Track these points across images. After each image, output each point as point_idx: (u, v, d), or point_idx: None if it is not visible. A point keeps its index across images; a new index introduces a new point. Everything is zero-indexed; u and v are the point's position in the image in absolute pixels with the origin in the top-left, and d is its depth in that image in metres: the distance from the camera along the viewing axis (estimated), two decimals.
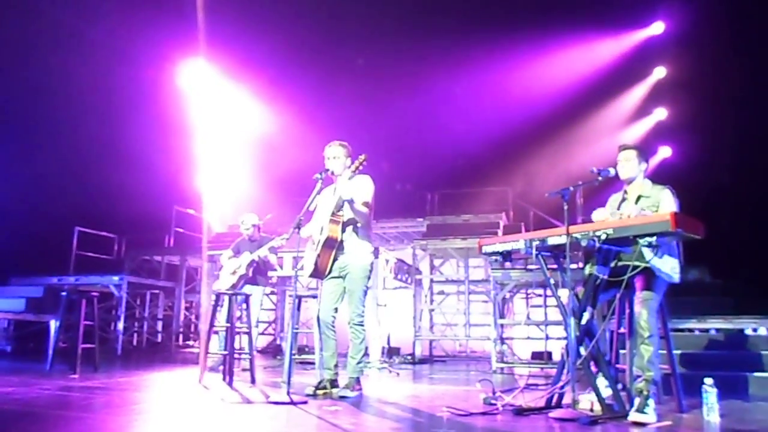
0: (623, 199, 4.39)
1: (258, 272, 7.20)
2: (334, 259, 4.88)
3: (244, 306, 6.20)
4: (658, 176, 4.40)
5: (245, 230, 7.40)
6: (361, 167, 4.79)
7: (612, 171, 4.24)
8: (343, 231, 4.86)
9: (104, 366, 6.96)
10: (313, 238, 4.99)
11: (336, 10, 12.77)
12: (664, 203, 4.14)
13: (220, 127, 12.73)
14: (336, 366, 4.93)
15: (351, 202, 4.70)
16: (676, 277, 4.07)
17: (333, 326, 4.98)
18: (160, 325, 13.02)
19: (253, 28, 12.25)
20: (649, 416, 3.60)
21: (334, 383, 4.88)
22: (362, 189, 4.87)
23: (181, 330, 12.15)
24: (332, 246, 4.84)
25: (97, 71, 10.95)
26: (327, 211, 4.90)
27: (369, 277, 5.02)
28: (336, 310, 4.98)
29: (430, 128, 12.82)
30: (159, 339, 12.78)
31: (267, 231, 7.66)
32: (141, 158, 11.65)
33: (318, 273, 4.92)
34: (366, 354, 4.90)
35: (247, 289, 6.96)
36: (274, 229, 9.56)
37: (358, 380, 4.88)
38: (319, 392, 4.75)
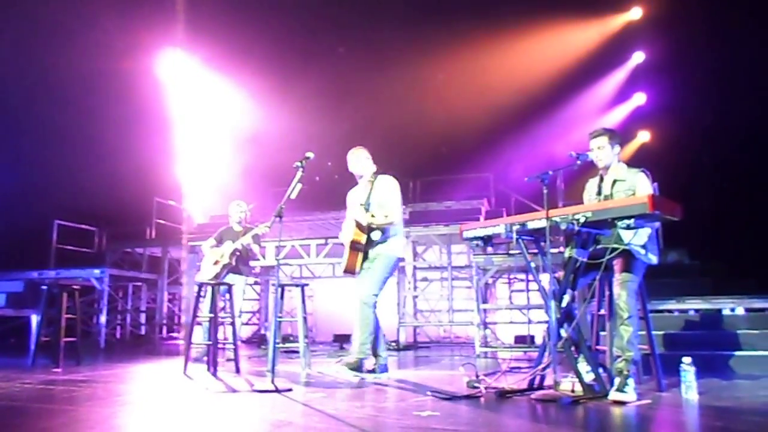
0: (600, 184, 4.44)
1: (241, 261, 7.16)
2: (364, 258, 5.10)
3: (227, 296, 6.18)
4: (637, 160, 4.47)
5: (238, 215, 7.35)
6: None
7: (591, 156, 4.29)
8: (371, 231, 5.07)
9: (87, 359, 6.91)
10: (344, 239, 5.21)
11: (315, 1, 12.72)
12: (640, 186, 4.19)
13: (200, 117, 12.65)
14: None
15: (370, 227, 5.03)
16: (654, 259, 4.13)
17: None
18: (143, 318, 12.96)
19: (232, 18, 12.16)
20: (629, 395, 3.66)
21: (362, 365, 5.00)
22: (388, 199, 5.14)
23: (165, 322, 12.10)
24: (358, 249, 5.07)
25: (74, 62, 10.79)
26: (353, 214, 5.17)
27: (394, 267, 5.18)
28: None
29: (411, 116, 12.82)
30: (142, 331, 12.72)
31: (249, 221, 7.63)
32: (120, 149, 11.54)
33: (348, 272, 5.13)
34: (376, 337, 5.07)
35: (230, 278, 6.94)
36: (257, 219, 9.55)
37: (362, 363, 4.93)
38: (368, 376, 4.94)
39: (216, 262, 7.06)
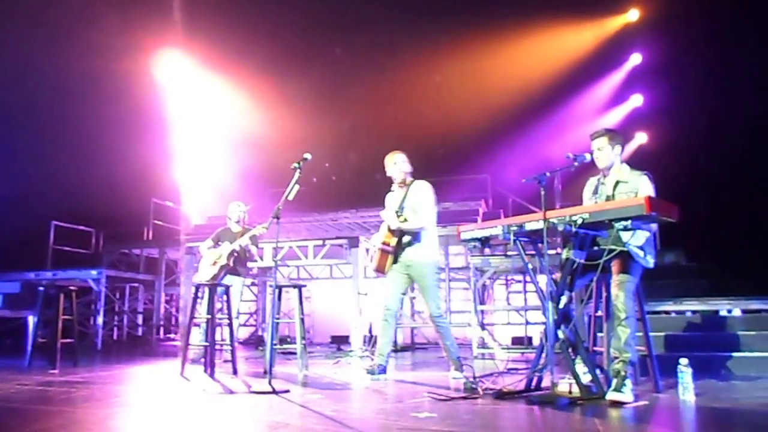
0: (599, 184, 4.43)
1: (238, 263, 7.15)
2: (394, 261, 5.27)
3: (225, 297, 6.17)
4: (635, 162, 4.45)
5: (237, 216, 7.34)
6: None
7: (588, 156, 4.28)
8: (402, 235, 5.23)
9: (84, 361, 6.91)
10: (375, 241, 5.42)
11: (311, 2, 12.73)
12: (642, 189, 4.18)
13: (198, 118, 12.64)
14: (389, 354, 5.26)
15: (400, 231, 5.20)
16: (651, 262, 4.14)
17: (396, 315, 5.38)
18: (140, 319, 12.93)
19: (230, 20, 12.16)
20: (626, 395, 3.67)
21: (383, 370, 5.16)
22: (422, 205, 5.27)
23: (162, 323, 12.08)
24: (387, 251, 5.24)
25: (72, 62, 10.78)
26: (386, 219, 5.32)
27: (438, 272, 5.44)
28: (401, 299, 5.41)
29: (408, 117, 12.82)
30: (139, 332, 12.70)
31: (247, 222, 7.62)
32: (117, 150, 11.53)
33: (379, 272, 5.33)
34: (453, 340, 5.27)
35: (228, 279, 6.93)
36: (254, 219, 9.53)
37: (459, 360, 5.12)
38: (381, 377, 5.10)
39: (214, 263, 7.04)
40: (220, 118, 12.79)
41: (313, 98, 12.86)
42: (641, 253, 4.08)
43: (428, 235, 5.27)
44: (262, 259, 9.23)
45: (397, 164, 5.44)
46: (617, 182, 4.32)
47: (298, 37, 13.03)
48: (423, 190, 5.33)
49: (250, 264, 7.59)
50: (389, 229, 5.25)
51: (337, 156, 13.37)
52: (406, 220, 5.22)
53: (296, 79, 12.74)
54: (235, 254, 7.03)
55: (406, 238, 5.23)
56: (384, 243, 5.23)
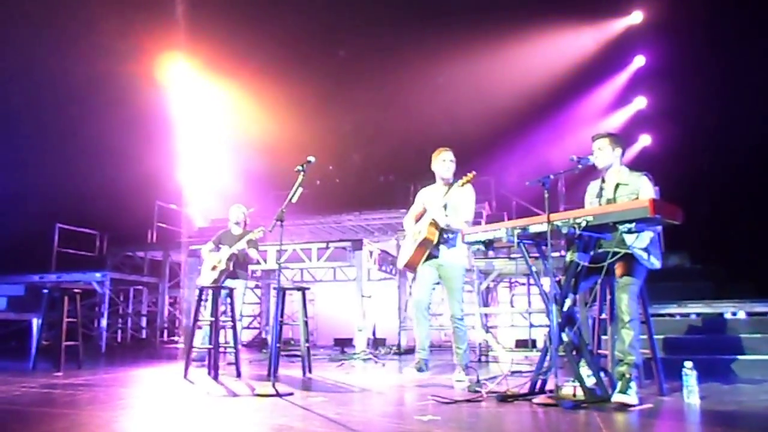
0: (602, 188, 4.43)
1: (238, 266, 7.14)
2: (428, 257, 5.22)
3: (228, 300, 6.17)
4: (638, 164, 4.46)
5: (237, 218, 7.34)
6: (467, 183, 5.14)
7: (592, 159, 4.29)
8: (441, 234, 5.15)
9: (88, 363, 6.91)
10: (413, 234, 5.34)
11: (314, 5, 12.74)
12: (643, 190, 4.18)
13: (201, 121, 12.66)
14: (430, 347, 5.32)
15: (443, 229, 5.12)
16: (657, 263, 4.13)
17: (428, 309, 5.34)
18: (144, 321, 12.95)
19: (233, 23, 12.19)
20: (632, 398, 3.66)
21: (427, 363, 5.25)
22: (465, 205, 5.22)
23: (166, 325, 12.10)
24: (426, 247, 5.16)
25: (77, 65, 10.82)
26: (429, 213, 5.22)
27: (465, 275, 5.41)
28: (431, 295, 5.34)
29: (412, 119, 12.83)
30: (143, 335, 12.71)
31: (250, 224, 7.62)
32: (122, 153, 11.56)
33: (410, 267, 5.33)
34: (468, 345, 5.30)
35: (229, 283, 6.93)
36: (258, 222, 9.53)
37: (467, 366, 5.12)
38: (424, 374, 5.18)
39: (214, 268, 7.03)
40: (223, 120, 12.82)
41: (317, 101, 12.87)
42: (645, 255, 4.07)
43: (460, 239, 5.21)
44: (266, 261, 9.25)
45: (449, 161, 5.38)
46: (617, 184, 4.32)
47: (302, 40, 13.04)
48: (468, 191, 5.27)
49: (252, 267, 7.58)
50: (434, 225, 5.15)
51: (340, 158, 13.39)
52: (447, 217, 5.17)
53: (300, 82, 12.76)
54: (234, 258, 7.02)
55: (444, 237, 5.19)
56: (426, 239, 5.13)
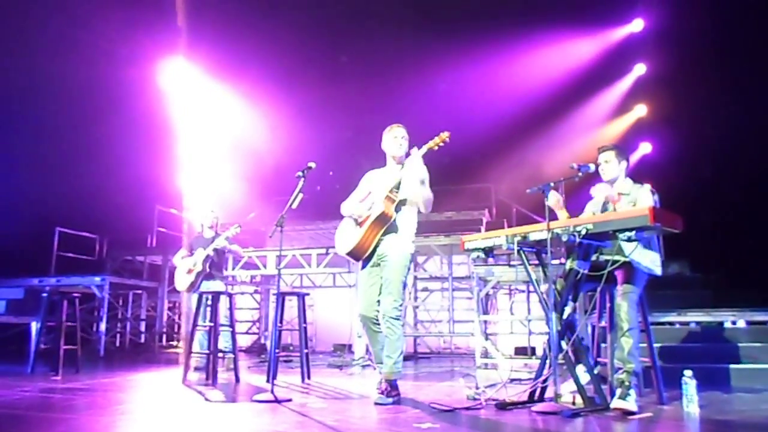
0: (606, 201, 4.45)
1: (214, 267, 7.08)
2: (378, 242, 4.50)
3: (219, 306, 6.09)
4: (638, 173, 4.49)
5: (210, 221, 7.33)
6: (441, 144, 4.53)
7: (592, 167, 4.30)
8: (397, 211, 4.52)
9: (86, 367, 6.90)
10: (358, 215, 4.64)
11: (317, 9, 12.76)
12: (641, 200, 4.19)
13: (202, 126, 12.67)
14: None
15: (423, 181, 4.50)
16: (657, 270, 4.13)
17: (377, 321, 4.45)
18: (143, 326, 12.93)
19: (234, 27, 12.20)
20: (631, 405, 3.65)
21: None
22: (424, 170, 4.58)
23: (165, 330, 12.08)
24: (384, 223, 4.46)
25: (77, 69, 10.83)
26: (383, 188, 4.56)
27: (409, 267, 4.58)
28: (378, 303, 4.45)
29: (411, 125, 12.83)
30: (142, 340, 12.69)
31: (249, 230, 7.60)
32: (122, 157, 11.56)
33: (357, 252, 4.53)
34: (402, 353, 4.47)
35: (206, 285, 6.87)
36: (258, 227, 9.54)
37: (395, 383, 4.37)
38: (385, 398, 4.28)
39: (189, 271, 6.99)
40: (224, 125, 12.82)
41: (318, 105, 12.88)
42: (645, 262, 4.07)
43: (412, 220, 4.68)
44: (265, 267, 9.24)
45: (401, 138, 4.74)
46: (619, 195, 4.34)
47: (303, 45, 13.05)
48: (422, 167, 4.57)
49: (251, 272, 7.56)
50: (388, 199, 4.49)
51: (341, 164, 13.39)
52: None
53: (301, 87, 12.77)
54: (210, 259, 6.97)
55: (398, 215, 4.56)
56: (384, 213, 4.46)
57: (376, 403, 4.20)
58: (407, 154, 4.67)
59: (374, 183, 4.74)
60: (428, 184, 4.57)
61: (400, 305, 4.41)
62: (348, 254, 4.61)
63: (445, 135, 4.52)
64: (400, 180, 4.54)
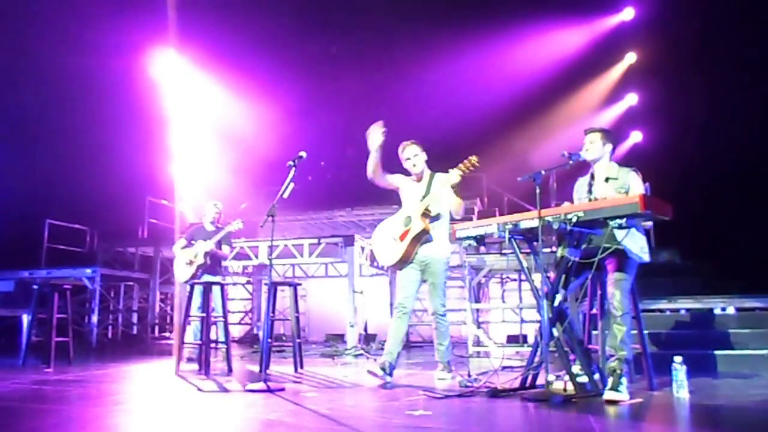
0: (590, 183, 4.44)
1: (215, 261, 7.09)
2: (417, 251, 4.97)
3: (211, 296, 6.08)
4: (629, 160, 4.48)
5: (213, 215, 7.28)
6: (471, 168, 4.78)
7: (582, 153, 4.31)
8: (432, 221, 4.96)
9: (79, 359, 6.89)
10: (396, 229, 5.04)
11: (308, 1, 12.71)
12: (633, 185, 4.20)
13: (193, 116, 12.61)
14: (399, 354, 5.00)
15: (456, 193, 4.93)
16: (646, 257, 4.14)
17: (407, 311, 5.00)
18: (135, 317, 12.90)
19: (225, 19, 12.14)
20: (623, 394, 3.68)
21: (392, 367, 4.86)
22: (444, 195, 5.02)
23: (157, 321, 12.05)
24: (422, 237, 4.93)
25: (66, 60, 10.74)
26: (418, 204, 4.95)
27: (447, 270, 5.17)
28: (414, 297, 5.07)
29: (403, 115, 12.81)
30: (134, 331, 12.67)
31: (223, 221, 7.52)
32: (112, 148, 11.50)
33: (402, 264, 5.00)
34: (450, 341, 5.13)
35: (207, 278, 6.83)
36: (249, 217, 9.50)
37: (450, 363, 5.01)
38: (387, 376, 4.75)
39: (191, 263, 6.94)
40: (214, 115, 12.76)
41: (309, 96, 12.85)
42: (635, 249, 4.09)
43: (447, 229, 5.07)
44: (257, 257, 9.23)
45: (413, 157, 5.12)
46: (607, 178, 4.34)
47: (294, 34, 13.00)
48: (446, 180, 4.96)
49: (243, 263, 7.55)
50: (425, 215, 4.90)
51: (332, 154, 13.38)
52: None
53: (292, 77, 12.73)
54: (212, 253, 6.94)
55: (432, 227, 4.97)
56: (424, 230, 4.88)
57: (440, 379, 4.85)
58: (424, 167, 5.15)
59: (405, 191, 5.18)
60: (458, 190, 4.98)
61: (445, 303, 5.07)
62: (392, 266, 5.10)
63: (474, 159, 4.76)
64: (433, 195, 4.94)
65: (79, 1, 10.73)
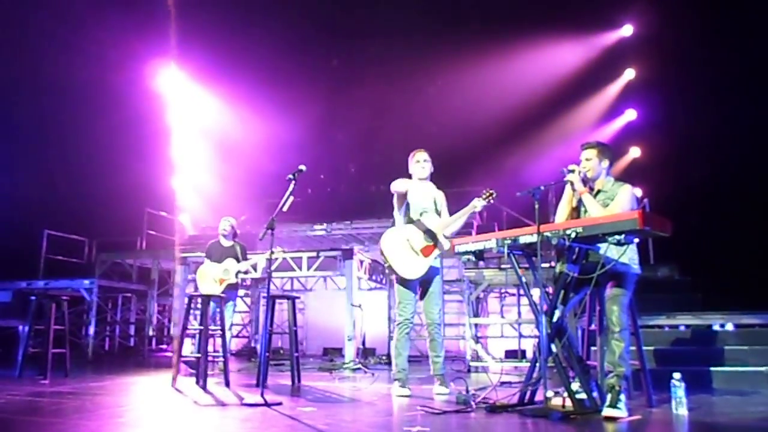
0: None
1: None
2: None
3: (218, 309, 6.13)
4: (628, 176, 4.49)
5: (227, 230, 7.31)
6: (492, 200, 4.98)
7: (579, 169, 4.30)
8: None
9: (75, 371, 6.86)
10: (416, 242, 5.09)
11: (309, 12, 12.78)
12: (618, 198, 4.17)
13: (193, 129, 12.64)
14: (418, 357, 5.23)
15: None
16: (636, 267, 4.12)
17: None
18: (132, 329, 12.86)
19: (226, 33, 12.20)
20: (622, 411, 3.66)
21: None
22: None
23: (154, 334, 12.01)
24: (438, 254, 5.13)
25: (68, 72, 10.78)
26: (438, 223, 5.15)
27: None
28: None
29: (403, 129, 12.85)
30: (131, 343, 12.62)
31: (241, 233, 7.59)
32: (112, 160, 11.51)
33: (423, 277, 5.10)
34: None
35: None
36: (248, 230, 9.51)
37: (445, 377, 5.10)
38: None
39: (221, 281, 6.99)
40: (215, 128, 12.80)
41: (310, 109, 12.88)
42: (633, 265, 4.09)
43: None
44: (255, 270, 9.22)
45: (423, 161, 5.36)
46: (598, 191, 4.33)
47: (295, 49, 13.06)
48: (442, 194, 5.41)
49: (241, 275, 7.57)
50: (437, 232, 5.09)
51: (332, 168, 13.41)
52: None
53: (293, 90, 12.77)
54: (243, 273, 7.05)
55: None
56: (447, 250, 5.04)
57: (438, 394, 4.90)
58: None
59: (413, 192, 5.24)
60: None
61: (442, 310, 5.37)
62: (415, 279, 5.09)
63: (494, 194, 4.97)
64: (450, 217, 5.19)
65: (81, 14, 10.78)
